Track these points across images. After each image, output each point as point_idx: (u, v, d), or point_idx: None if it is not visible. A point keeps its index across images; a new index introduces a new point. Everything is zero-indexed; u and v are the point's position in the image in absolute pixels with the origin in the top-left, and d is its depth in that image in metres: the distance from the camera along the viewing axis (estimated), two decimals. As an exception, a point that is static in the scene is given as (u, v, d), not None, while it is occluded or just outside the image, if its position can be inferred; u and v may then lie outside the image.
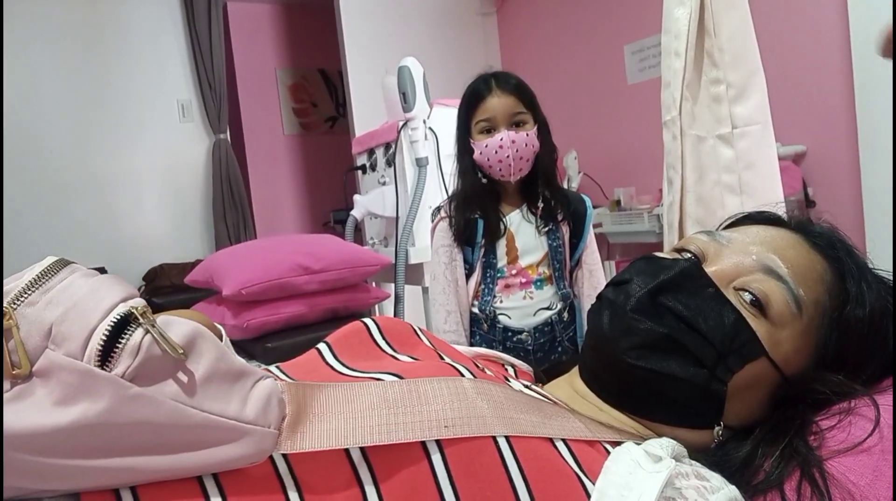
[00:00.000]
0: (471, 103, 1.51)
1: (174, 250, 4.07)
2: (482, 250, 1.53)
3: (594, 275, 1.62)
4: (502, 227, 1.53)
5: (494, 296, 1.54)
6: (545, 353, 1.54)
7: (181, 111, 4.20)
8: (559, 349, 1.56)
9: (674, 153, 1.27)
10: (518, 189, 1.56)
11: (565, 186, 3.36)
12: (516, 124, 1.49)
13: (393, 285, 2.21)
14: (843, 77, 2.51)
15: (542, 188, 1.55)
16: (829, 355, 0.62)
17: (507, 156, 1.46)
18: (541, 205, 1.54)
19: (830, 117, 2.59)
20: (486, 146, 1.47)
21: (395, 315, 2.18)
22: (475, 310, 1.56)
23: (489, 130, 1.48)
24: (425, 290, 2.15)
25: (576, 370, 0.70)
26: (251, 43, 4.87)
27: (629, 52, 3.49)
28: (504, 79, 1.51)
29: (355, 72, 3.81)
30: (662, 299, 0.61)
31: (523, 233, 1.54)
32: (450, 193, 1.63)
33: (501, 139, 1.46)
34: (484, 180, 1.55)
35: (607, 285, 0.66)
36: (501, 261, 1.53)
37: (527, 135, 1.48)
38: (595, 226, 3.27)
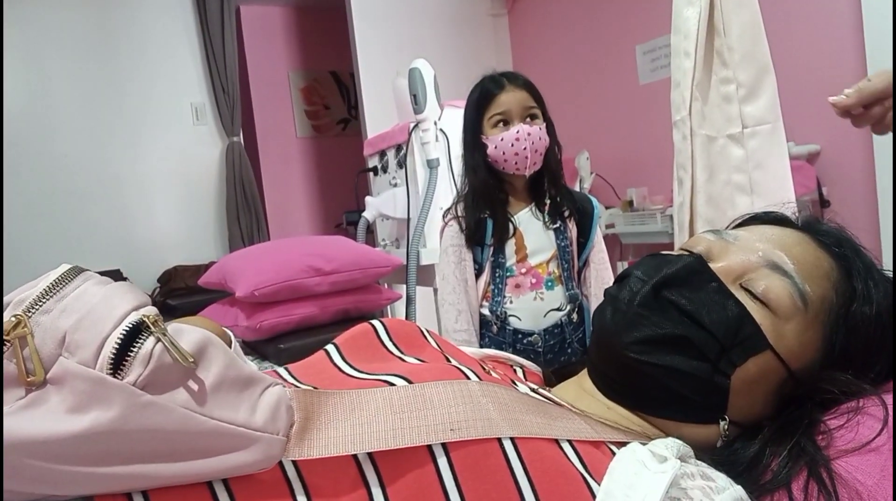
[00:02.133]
0: (482, 100, 1.51)
1: (188, 253, 4.09)
2: (491, 249, 1.53)
3: (602, 274, 1.61)
4: (511, 227, 1.53)
5: (504, 297, 1.53)
6: (555, 354, 1.54)
7: (195, 114, 4.23)
8: (569, 350, 1.55)
9: (684, 153, 1.27)
10: (526, 187, 1.57)
11: (577, 186, 3.36)
12: (530, 118, 1.50)
13: (405, 286, 2.21)
14: (857, 76, 2.47)
15: (548, 186, 1.55)
16: (836, 352, 0.62)
17: (525, 148, 1.47)
18: (547, 202, 1.54)
19: (844, 116, 2.57)
20: (502, 140, 1.47)
21: (406, 316, 2.19)
22: (485, 312, 1.55)
23: (504, 124, 1.49)
24: (436, 291, 2.15)
25: (586, 370, 0.70)
26: (264, 46, 4.90)
27: (641, 52, 3.48)
28: (513, 76, 1.53)
29: (367, 74, 3.83)
30: (666, 294, 0.61)
31: (532, 231, 1.54)
32: (457, 193, 1.63)
33: (518, 132, 1.47)
34: (491, 181, 1.55)
35: (613, 282, 0.67)
36: (510, 260, 1.53)
37: (540, 128, 1.49)
38: (608, 226, 3.28)
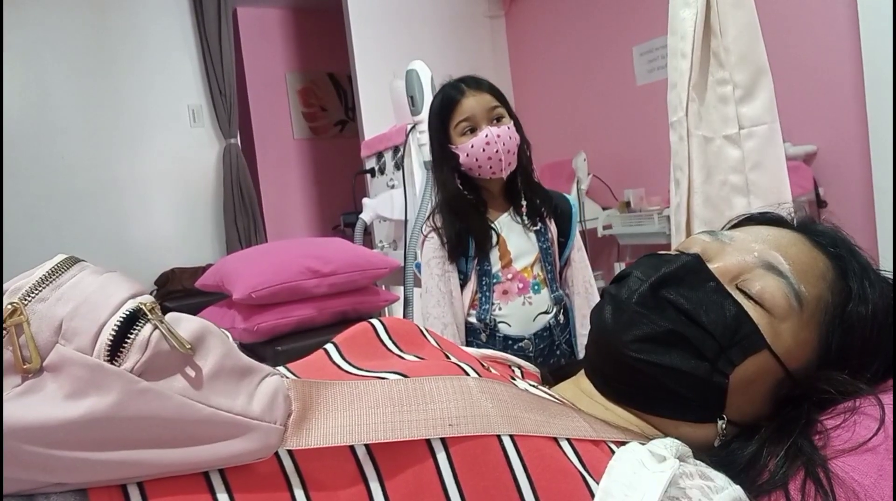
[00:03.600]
0: (445, 109, 1.49)
1: (186, 255, 4.09)
2: (475, 258, 1.51)
3: (583, 273, 1.60)
4: (494, 235, 1.50)
5: (493, 304, 1.51)
6: (545, 358, 1.52)
7: (192, 116, 4.22)
8: (557, 352, 1.53)
9: (681, 154, 1.27)
10: (502, 192, 1.54)
11: (574, 187, 3.36)
12: (496, 120, 1.47)
13: (402, 287, 2.21)
14: (854, 76, 2.50)
15: (522, 187, 1.53)
16: (832, 352, 0.62)
17: (496, 151, 1.44)
18: (524, 203, 1.53)
19: (841, 117, 2.58)
20: (473, 146, 1.45)
21: (404, 318, 2.19)
22: (472, 320, 1.53)
23: (472, 130, 1.46)
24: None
25: (583, 371, 0.70)
26: (261, 48, 4.90)
27: (637, 53, 3.49)
28: (473, 80, 1.50)
29: (364, 75, 3.83)
30: (664, 293, 0.61)
31: (514, 236, 1.52)
32: (432, 205, 1.60)
33: (487, 136, 1.44)
34: (465, 192, 1.52)
35: (611, 282, 0.67)
36: (495, 266, 1.51)
37: (508, 128, 1.47)
38: (605, 227, 3.29)
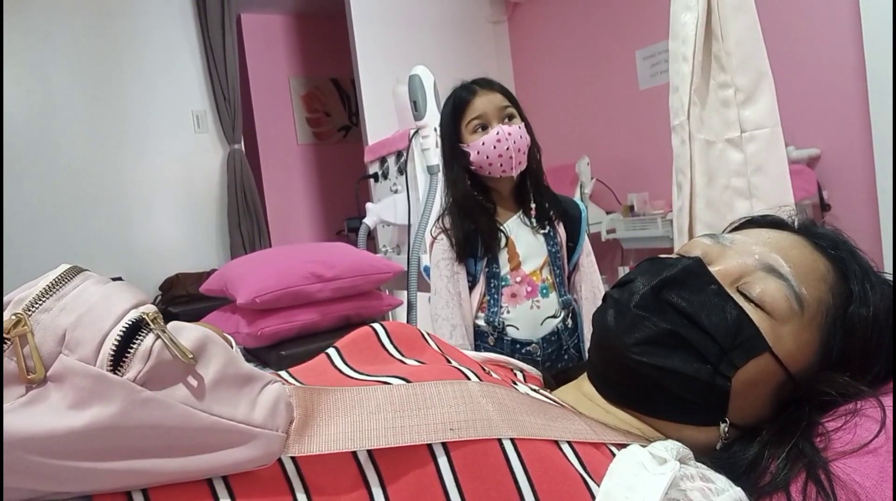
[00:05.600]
0: (457, 108, 1.50)
1: (190, 260, 4.10)
2: (485, 260, 1.51)
3: (592, 278, 1.60)
4: (503, 237, 1.50)
5: (501, 307, 1.51)
6: (553, 362, 1.51)
7: (196, 122, 4.24)
8: (565, 356, 1.53)
9: (683, 158, 1.27)
10: (512, 193, 1.55)
11: (578, 191, 3.36)
12: (507, 118, 1.48)
13: (406, 292, 2.21)
14: (857, 79, 2.49)
15: (531, 189, 1.54)
16: (833, 354, 0.62)
17: (507, 148, 1.44)
18: (533, 206, 1.53)
19: (845, 120, 2.58)
20: (483, 144, 1.45)
21: (407, 322, 2.19)
22: (480, 323, 1.53)
23: (483, 128, 1.47)
24: (438, 297, 2.15)
25: (585, 375, 0.70)
26: (264, 53, 4.92)
27: (640, 57, 3.49)
28: (484, 81, 1.52)
29: (367, 81, 3.84)
30: (666, 296, 0.61)
31: (523, 238, 1.52)
32: (442, 207, 1.61)
33: (498, 133, 1.44)
34: (476, 193, 1.52)
35: (613, 286, 0.67)
36: (504, 269, 1.50)
37: (519, 127, 1.47)
38: (609, 232, 3.29)
